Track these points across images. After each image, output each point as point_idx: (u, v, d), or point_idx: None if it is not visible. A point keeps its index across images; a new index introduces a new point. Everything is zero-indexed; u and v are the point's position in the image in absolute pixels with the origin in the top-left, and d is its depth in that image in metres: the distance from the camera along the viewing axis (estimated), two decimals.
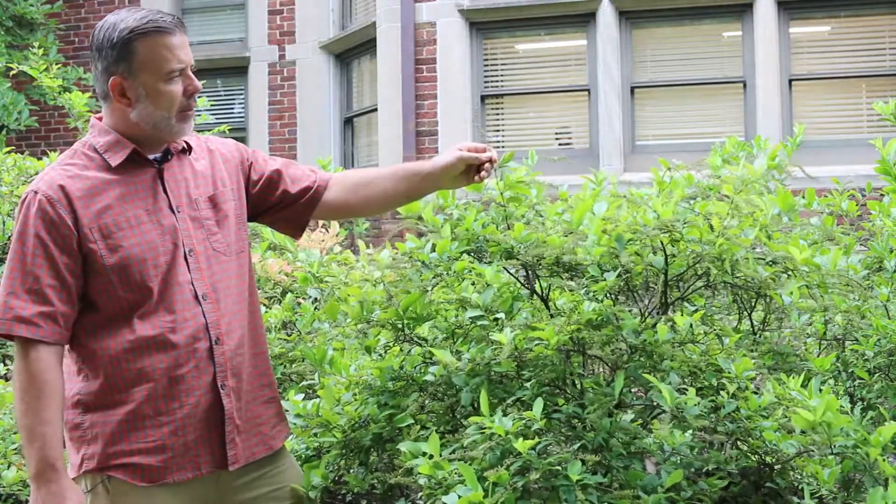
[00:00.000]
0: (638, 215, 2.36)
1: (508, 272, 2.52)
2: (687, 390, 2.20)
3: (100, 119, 2.21)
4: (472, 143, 2.29)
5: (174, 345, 2.10)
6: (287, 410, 2.57)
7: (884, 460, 2.07)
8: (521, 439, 2.05)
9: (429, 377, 2.42)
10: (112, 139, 2.15)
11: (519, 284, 2.56)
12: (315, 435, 2.53)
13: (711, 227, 2.37)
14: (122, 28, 2.10)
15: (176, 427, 2.11)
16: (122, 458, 2.09)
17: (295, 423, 2.55)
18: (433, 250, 2.47)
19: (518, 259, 2.39)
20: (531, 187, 2.63)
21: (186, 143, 2.25)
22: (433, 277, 2.48)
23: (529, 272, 2.52)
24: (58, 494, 2.01)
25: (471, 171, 2.30)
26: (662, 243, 2.38)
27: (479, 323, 2.44)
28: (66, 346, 2.13)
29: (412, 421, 2.41)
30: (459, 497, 2.00)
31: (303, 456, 2.59)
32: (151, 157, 2.18)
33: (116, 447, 2.09)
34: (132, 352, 2.08)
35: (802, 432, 2.16)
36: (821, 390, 2.25)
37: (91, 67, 2.20)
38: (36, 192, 2.09)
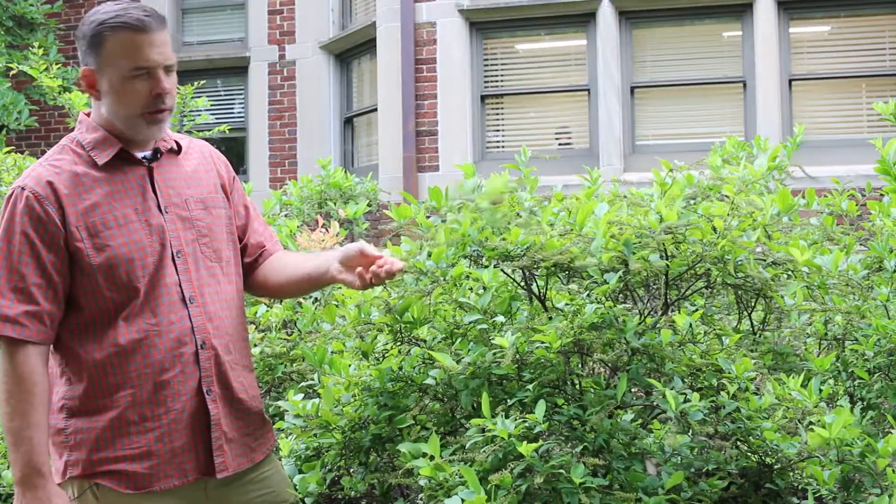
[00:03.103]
0: (643, 219, 2.34)
1: (505, 273, 2.50)
2: (691, 398, 2.19)
3: (88, 114, 2.16)
4: (370, 250, 2.12)
5: (159, 348, 2.04)
6: (286, 411, 2.57)
7: (893, 471, 2.07)
8: (524, 442, 2.04)
9: (429, 381, 2.41)
10: (99, 136, 2.10)
11: (516, 285, 2.54)
12: (315, 435, 2.52)
13: (714, 228, 2.36)
14: (93, 20, 2.07)
15: (162, 433, 2.05)
16: (107, 465, 2.04)
17: (294, 424, 2.54)
18: (429, 257, 2.44)
19: (516, 262, 2.37)
20: (525, 187, 2.62)
21: (177, 142, 2.20)
22: (431, 283, 2.45)
23: (526, 273, 2.51)
24: (44, 500, 1.96)
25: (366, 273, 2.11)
26: (664, 245, 2.37)
27: (478, 327, 2.42)
28: (50, 348, 2.07)
29: (412, 422, 2.40)
30: (462, 500, 1.98)
31: (302, 456, 2.59)
32: (140, 155, 2.13)
33: (101, 454, 2.04)
34: (116, 355, 2.03)
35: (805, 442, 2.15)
36: (820, 390, 2.25)
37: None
38: (23, 189, 2.03)
